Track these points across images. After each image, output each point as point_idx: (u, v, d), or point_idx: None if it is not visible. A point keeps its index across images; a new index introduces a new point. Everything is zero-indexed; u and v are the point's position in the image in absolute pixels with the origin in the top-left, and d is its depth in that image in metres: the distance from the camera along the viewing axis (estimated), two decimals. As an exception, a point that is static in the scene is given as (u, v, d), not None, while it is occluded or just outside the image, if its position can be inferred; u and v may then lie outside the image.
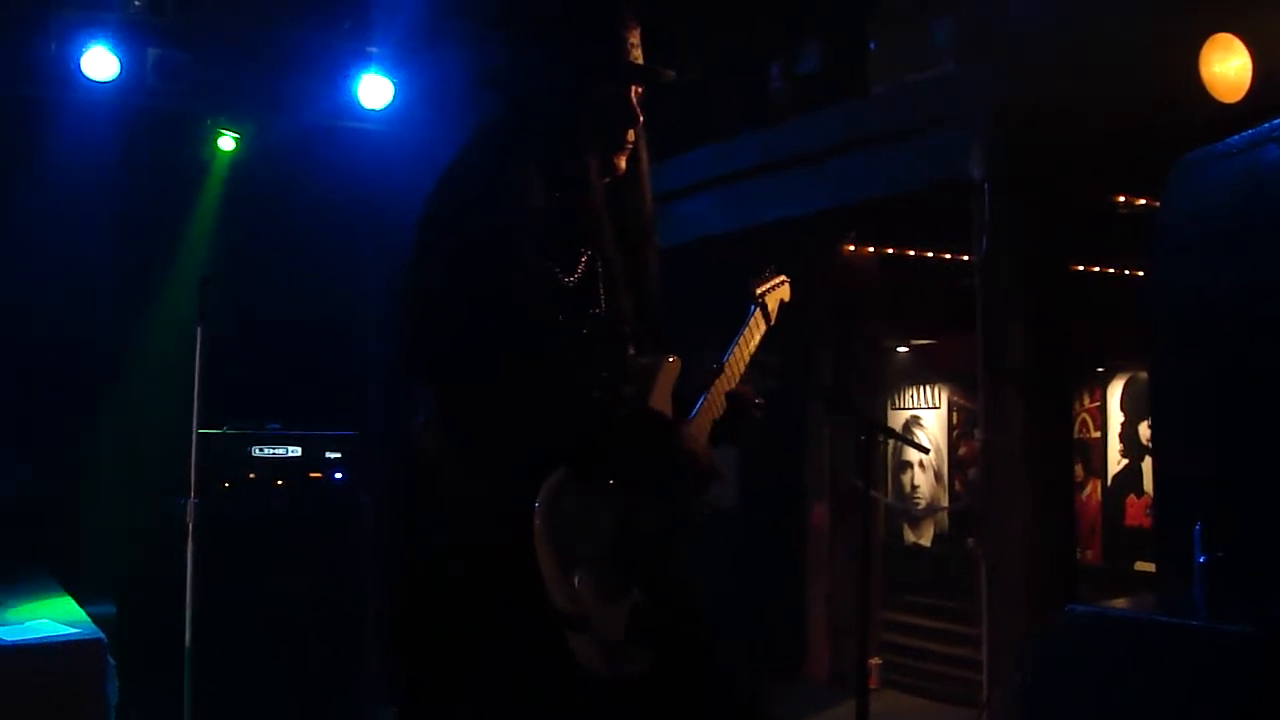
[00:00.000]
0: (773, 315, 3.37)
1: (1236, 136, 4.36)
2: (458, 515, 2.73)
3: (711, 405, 3.08)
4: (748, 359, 3.23)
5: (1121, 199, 6.75)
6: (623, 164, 3.05)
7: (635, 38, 3.02)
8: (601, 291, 2.92)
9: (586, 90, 2.96)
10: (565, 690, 2.68)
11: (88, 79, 7.26)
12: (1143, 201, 6.64)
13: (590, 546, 2.72)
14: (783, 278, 3.47)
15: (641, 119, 3.04)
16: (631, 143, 3.06)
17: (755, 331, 3.28)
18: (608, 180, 3.01)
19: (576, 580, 2.66)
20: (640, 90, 3.05)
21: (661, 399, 2.98)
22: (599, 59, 2.97)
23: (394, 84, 8.06)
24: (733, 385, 3.15)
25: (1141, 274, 5.48)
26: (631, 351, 3.00)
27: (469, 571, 2.70)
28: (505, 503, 2.66)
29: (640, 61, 3.04)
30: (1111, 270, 8.39)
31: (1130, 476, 8.77)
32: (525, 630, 2.65)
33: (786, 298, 3.48)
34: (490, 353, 2.64)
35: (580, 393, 2.77)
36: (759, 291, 3.33)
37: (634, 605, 2.77)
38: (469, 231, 2.73)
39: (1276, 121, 4.18)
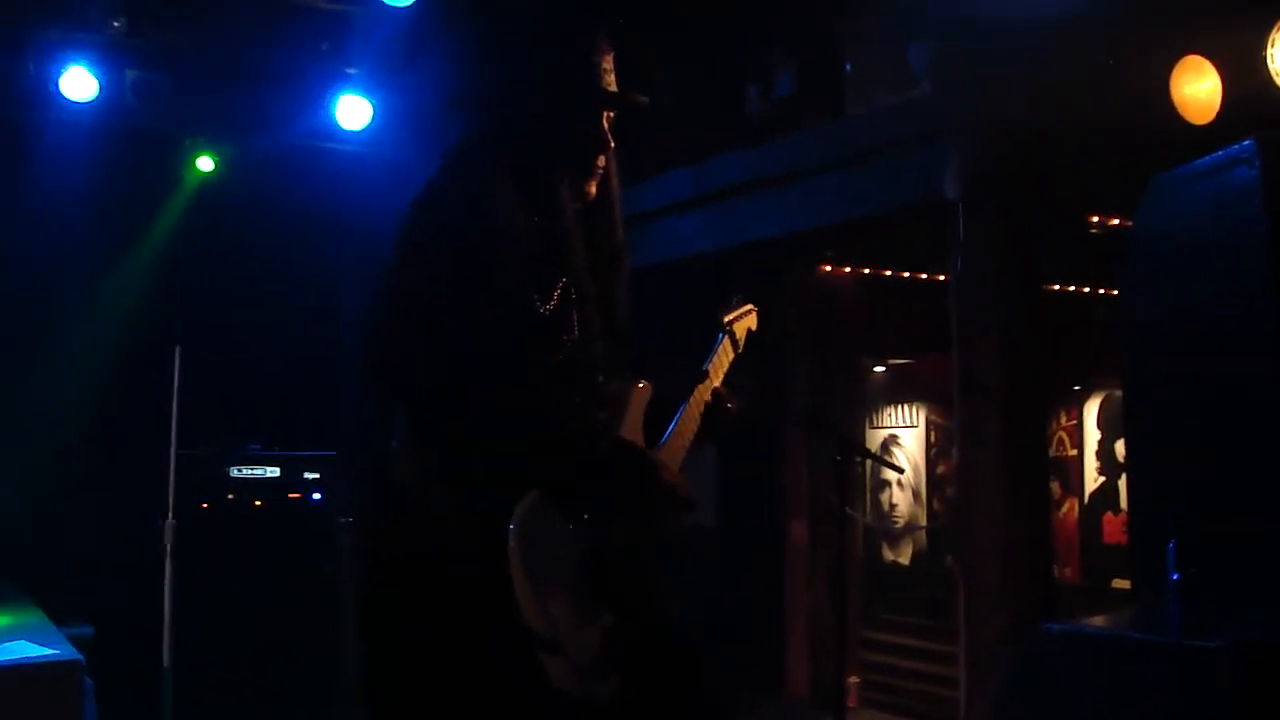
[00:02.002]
0: (740, 343, 3.37)
1: (1207, 158, 4.40)
2: (432, 538, 2.72)
3: (687, 425, 3.09)
4: (719, 381, 3.23)
5: (1095, 219, 6.80)
6: (593, 189, 3.05)
7: (609, 63, 3.02)
8: (575, 318, 2.91)
9: (558, 116, 2.97)
10: (540, 711, 2.67)
11: (67, 100, 7.27)
12: (1116, 221, 6.68)
13: (563, 569, 2.72)
14: (750, 306, 3.47)
15: (612, 144, 3.05)
16: (602, 168, 3.06)
17: (724, 359, 3.28)
18: (579, 205, 3.01)
19: (549, 603, 2.66)
20: (612, 115, 3.06)
21: (633, 425, 2.98)
22: (572, 85, 2.98)
23: (372, 105, 8.08)
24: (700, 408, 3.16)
25: (1116, 293, 5.53)
26: (601, 379, 2.99)
27: (443, 594, 2.69)
28: (479, 526, 2.66)
29: (613, 87, 3.04)
30: (1086, 289, 8.44)
31: (1107, 494, 8.81)
32: (499, 652, 2.64)
33: (754, 327, 3.49)
34: (463, 379, 2.65)
35: (555, 421, 2.76)
36: (727, 320, 3.34)
37: (607, 627, 2.77)
38: (443, 256, 2.73)
39: (1246, 143, 4.21)
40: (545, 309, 2.86)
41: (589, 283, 2.97)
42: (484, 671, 2.68)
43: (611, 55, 3.04)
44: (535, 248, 2.85)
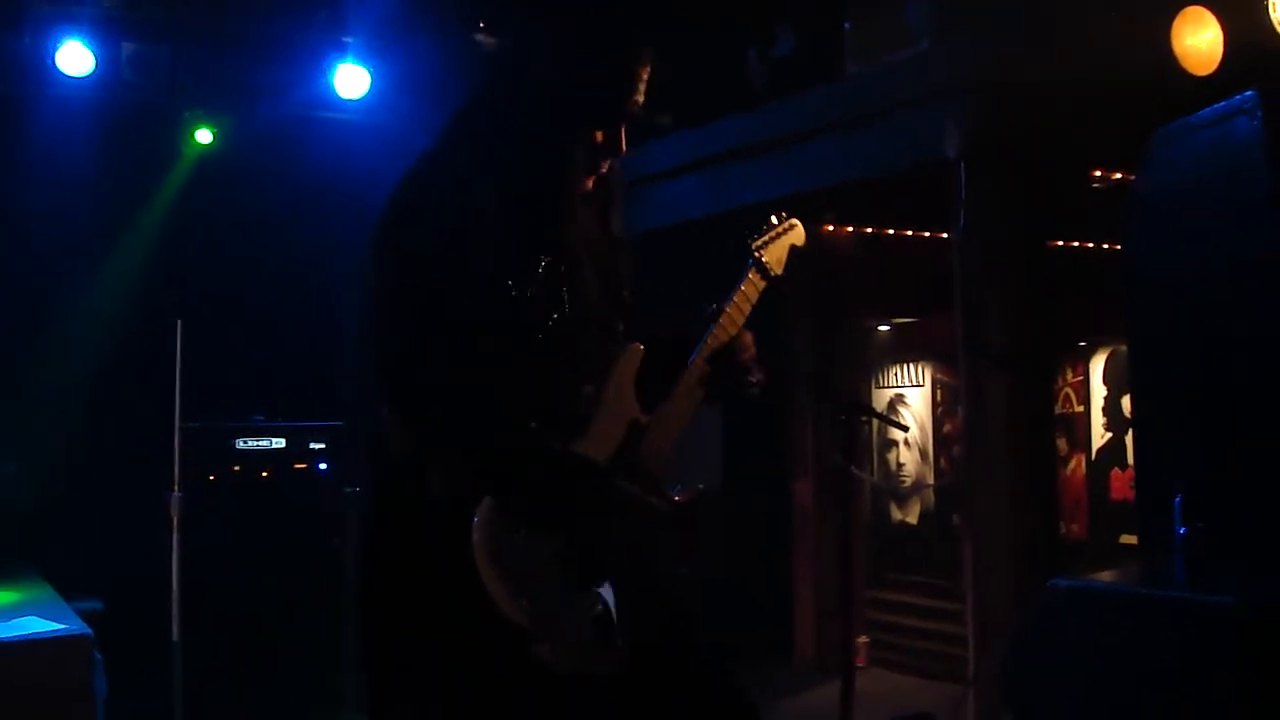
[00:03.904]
0: (779, 264, 3.29)
1: (1209, 109, 4.38)
2: (420, 516, 2.72)
3: (690, 386, 3.04)
4: (742, 318, 3.14)
5: (1098, 174, 6.77)
6: (591, 184, 3.00)
7: (646, 73, 2.95)
8: (565, 294, 2.86)
9: (581, 124, 2.91)
10: (535, 692, 2.66)
11: (63, 74, 7.25)
12: (1119, 176, 6.66)
13: (537, 556, 2.70)
14: (791, 223, 3.38)
15: (624, 150, 2.98)
16: (605, 169, 3.01)
17: (751, 290, 3.19)
18: (577, 192, 2.97)
19: (523, 590, 2.64)
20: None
21: (621, 390, 2.93)
22: (605, 98, 2.91)
23: (370, 73, 8.05)
24: (722, 342, 3.08)
25: (1120, 247, 5.51)
26: (592, 348, 2.93)
27: (430, 574, 2.69)
28: (456, 513, 2.64)
29: (642, 99, 2.95)
30: (1090, 245, 8.41)
31: (1114, 450, 8.82)
32: (488, 635, 2.63)
33: (800, 242, 3.39)
34: (434, 363, 2.64)
35: (514, 424, 2.74)
36: (755, 245, 3.25)
37: (597, 603, 2.74)
38: (421, 239, 2.71)
39: (1247, 94, 4.19)
40: (530, 288, 2.80)
41: (584, 259, 2.93)
42: (476, 654, 2.67)
43: (650, 65, 2.95)
44: (519, 227, 2.81)
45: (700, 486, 2.99)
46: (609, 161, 3.00)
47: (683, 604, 3.05)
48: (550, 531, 2.72)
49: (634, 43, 2.94)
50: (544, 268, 2.84)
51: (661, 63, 3.00)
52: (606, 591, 2.78)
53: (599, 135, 2.94)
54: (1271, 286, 4.10)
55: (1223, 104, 4.30)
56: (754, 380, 3.17)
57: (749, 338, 3.14)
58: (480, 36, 6.24)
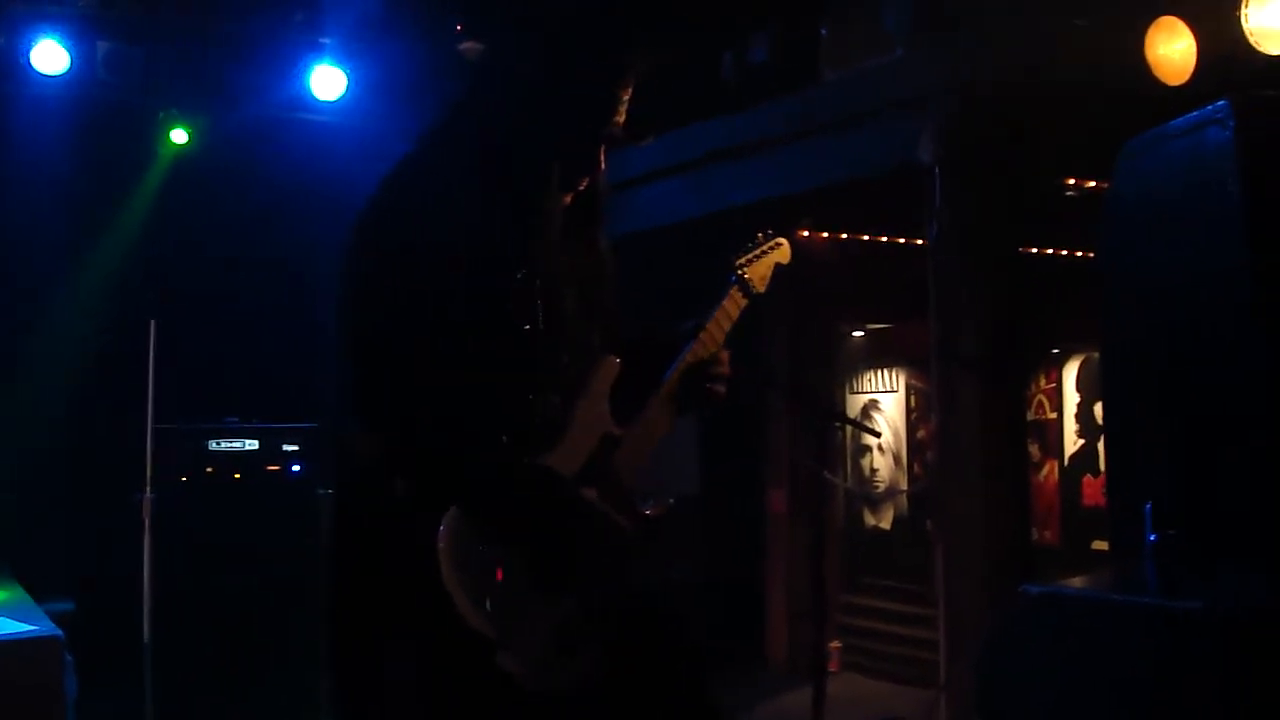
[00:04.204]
0: (762, 283, 3.28)
1: (1181, 119, 4.39)
2: (385, 522, 2.71)
3: (658, 405, 3.03)
4: (722, 335, 3.14)
5: (1071, 181, 6.80)
6: (569, 200, 2.98)
7: (628, 94, 2.94)
8: (539, 306, 2.84)
9: (562, 138, 2.89)
10: (499, 702, 2.66)
11: (38, 73, 7.23)
12: (1092, 183, 6.69)
13: (498, 571, 2.68)
14: (777, 241, 3.38)
15: (604, 168, 2.99)
16: (584, 186, 2.99)
17: (732, 307, 3.18)
18: (557, 205, 2.94)
19: (486, 599, 2.63)
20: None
21: (595, 402, 2.93)
22: (587, 115, 2.90)
23: (347, 75, 8.05)
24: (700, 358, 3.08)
25: (1093, 255, 5.53)
26: (565, 359, 2.92)
27: (395, 580, 2.68)
28: (421, 520, 2.63)
29: (622, 119, 2.94)
30: (1064, 252, 8.45)
31: (1087, 457, 8.85)
32: (453, 643, 2.63)
33: (785, 260, 3.39)
34: (405, 369, 2.64)
35: (483, 436, 2.73)
36: (738, 263, 3.24)
37: (561, 614, 2.73)
38: (393, 251, 2.71)
39: (1220, 103, 4.21)
40: (505, 299, 2.79)
41: (561, 268, 2.91)
42: (439, 665, 2.67)
43: (632, 87, 2.94)
44: (494, 238, 2.79)
45: (671, 501, 2.98)
46: (587, 180, 2.98)
47: (657, 613, 3.04)
48: (515, 543, 2.71)
49: (618, 65, 2.92)
50: (520, 279, 2.82)
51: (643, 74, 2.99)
52: (572, 604, 2.76)
53: (578, 154, 2.92)
54: (1241, 296, 4.12)
55: (1195, 114, 4.31)
56: (723, 396, 3.14)
57: (725, 356, 3.13)
58: (464, 45, 6.23)
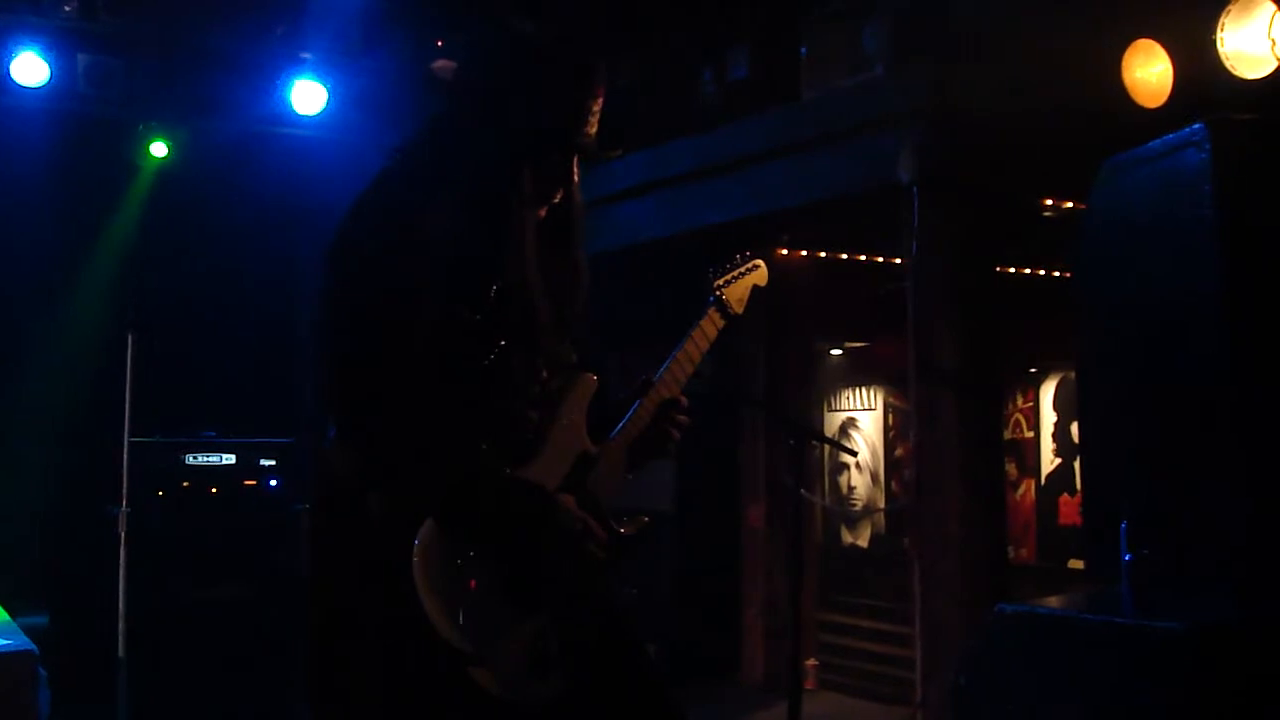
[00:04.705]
0: (740, 304, 3.28)
1: (1158, 141, 4.42)
2: (364, 539, 2.71)
3: (639, 420, 3.04)
4: (699, 355, 3.15)
5: (1049, 202, 6.83)
6: (544, 213, 2.97)
7: (598, 106, 2.93)
8: (514, 319, 2.84)
9: (532, 152, 2.88)
10: (474, 717, 2.66)
11: (17, 84, 7.21)
12: (1069, 204, 6.72)
13: (476, 581, 2.68)
14: (755, 263, 3.38)
15: (576, 179, 2.98)
16: (558, 200, 2.98)
17: (710, 328, 3.20)
18: (531, 214, 2.93)
19: (461, 615, 2.62)
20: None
21: (573, 419, 2.93)
22: (557, 130, 2.89)
23: (327, 89, 8.05)
24: (675, 389, 3.08)
25: (1070, 275, 5.56)
26: (545, 374, 2.93)
27: (374, 597, 2.68)
28: (396, 534, 2.63)
29: (594, 131, 2.94)
30: (1041, 272, 8.48)
31: (1063, 476, 8.86)
32: (427, 658, 2.62)
33: (763, 282, 3.40)
34: (379, 387, 2.63)
35: (462, 443, 2.72)
36: (716, 284, 3.25)
37: (536, 629, 2.73)
38: (372, 265, 2.71)
39: (1196, 126, 4.24)
40: (478, 312, 2.78)
41: (539, 284, 2.89)
42: (412, 680, 2.66)
43: (600, 98, 2.93)
44: (471, 248, 2.79)
45: (646, 519, 2.98)
46: (560, 191, 2.98)
47: (623, 629, 3.04)
48: (494, 554, 2.71)
49: (587, 77, 2.92)
50: (495, 292, 2.82)
51: (616, 85, 2.99)
52: (546, 618, 2.76)
53: (550, 165, 2.91)
54: (1216, 315, 4.14)
55: (1172, 136, 4.35)
56: (675, 441, 3.13)
57: (685, 402, 3.12)
58: (437, 64, 6.24)
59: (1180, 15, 5.62)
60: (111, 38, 7.53)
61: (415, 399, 2.65)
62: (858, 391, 9.31)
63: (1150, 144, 4.48)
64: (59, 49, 7.32)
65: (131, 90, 7.64)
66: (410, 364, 2.66)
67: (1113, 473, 4.66)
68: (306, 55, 8.03)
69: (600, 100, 2.94)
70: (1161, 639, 3.66)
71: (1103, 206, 4.76)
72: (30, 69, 7.19)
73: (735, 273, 3.33)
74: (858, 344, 9.33)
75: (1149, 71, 5.70)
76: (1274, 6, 5.30)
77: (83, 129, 7.80)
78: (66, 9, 7.34)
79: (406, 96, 7.62)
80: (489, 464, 2.76)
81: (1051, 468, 8.98)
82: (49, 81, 7.28)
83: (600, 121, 2.95)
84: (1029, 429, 9.11)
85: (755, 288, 3.39)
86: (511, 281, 2.85)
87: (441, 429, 2.69)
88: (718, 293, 3.24)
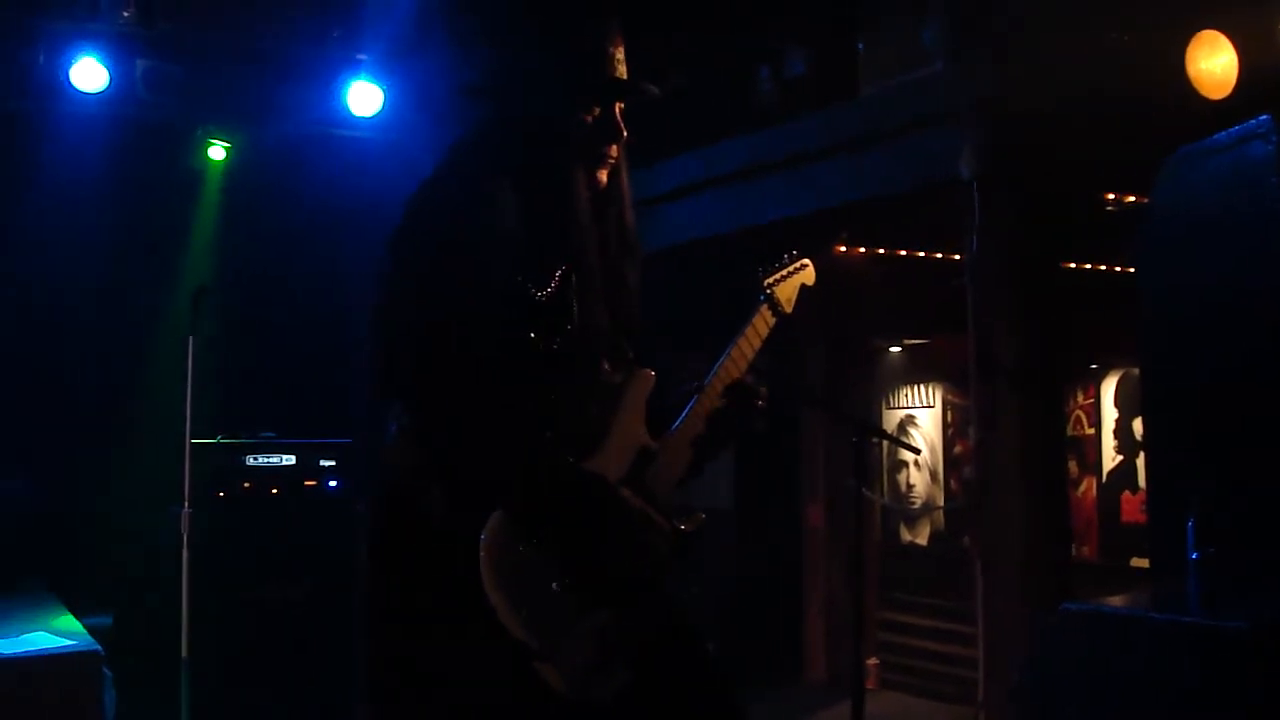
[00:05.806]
0: (789, 303, 3.27)
1: (1223, 133, 4.37)
2: (424, 537, 2.71)
3: (692, 423, 3.01)
4: (752, 353, 3.13)
5: (1111, 196, 6.77)
6: (604, 178, 3.00)
7: (620, 52, 2.98)
8: (576, 306, 2.85)
9: (570, 105, 2.92)
10: (539, 713, 2.65)
11: (77, 90, 7.27)
12: (1132, 198, 6.65)
13: (543, 576, 2.68)
14: (803, 262, 3.36)
15: (625, 134, 3.01)
16: (614, 158, 3.01)
17: (762, 325, 3.17)
18: (590, 194, 2.96)
19: (528, 611, 2.62)
20: (623, 105, 3.01)
21: (633, 415, 2.92)
22: (583, 75, 2.93)
23: (383, 91, 8.08)
24: (729, 381, 3.05)
25: (1132, 270, 5.51)
26: (606, 366, 2.93)
27: (435, 595, 2.68)
28: (464, 529, 2.63)
29: (624, 76, 2.99)
30: (1103, 267, 8.40)
31: (1125, 473, 8.78)
32: (489, 659, 2.62)
33: (810, 281, 3.38)
34: (452, 372, 2.61)
35: (530, 430, 2.71)
36: (767, 283, 3.23)
37: (601, 626, 2.72)
38: (438, 248, 2.70)
39: (1262, 118, 4.19)
40: (542, 295, 2.80)
41: (596, 271, 2.91)
42: (475, 678, 2.66)
43: (622, 44, 2.98)
44: (535, 236, 2.80)
45: (703, 515, 2.96)
46: (614, 146, 3.00)
47: (684, 626, 3.02)
48: (558, 548, 2.70)
49: (598, 19, 2.98)
50: (560, 276, 2.84)
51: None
52: (608, 615, 2.75)
53: (590, 116, 2.95)
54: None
55: (1237, 128, 4.30)
56: (760, 425, 3.12)
57: (764, 391, 3.11)
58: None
59: (1245, 6, 5.55)
60: (169, 43, 7.58)
61: (483, 384, 2.64)
62: (916, 389, 9.26)
63: (1215, 136, 4.43)
64: (118, 55, 7.37)
65: (189, 94, 7.69)
66: (478, 348, 2.64)
67: (1179, 470, 4.61)
68: (363, 56, 8.06)
69: (620, 44, 2.99)
70: (1229, 638, 3.62)
71: (1166, 200, 4.71)
72: (90, 75, 7.25)
73: (784, 271, 3.32)
74: (916, 341, 9.28)
75: (1213, 63, 5.63)
76: (1340, -5, 5.23)
77: (141, 134, 7.86)
78: (125, 15, 7.40)
79: (458, 99, 7.63)
80: (554, 453, 2.74)
81: (1113, 465, 8.89)
82: (108, 87, 7.33)
83: (629, 69, 3.01)
84: (1090, 426, 9.03)
85: (803, 287, 3.37)
86: (575, 265, 2.86)
87: (509, 415, 2.67)
88: (769, 290, 3.22)
